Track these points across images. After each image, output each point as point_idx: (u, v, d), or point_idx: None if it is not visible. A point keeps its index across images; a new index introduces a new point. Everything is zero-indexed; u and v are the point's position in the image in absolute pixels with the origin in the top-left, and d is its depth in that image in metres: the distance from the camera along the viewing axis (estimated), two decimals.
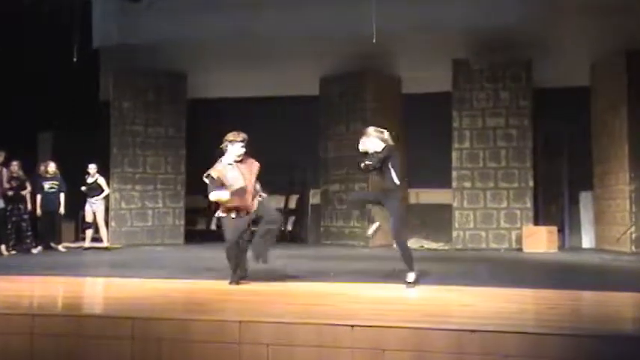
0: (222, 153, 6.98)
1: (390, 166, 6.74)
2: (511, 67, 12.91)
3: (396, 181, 6.73)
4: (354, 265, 7.84)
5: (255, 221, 7.02)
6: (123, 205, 13.60)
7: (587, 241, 13.39)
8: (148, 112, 13.82)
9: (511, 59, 12.83)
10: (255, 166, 7.01)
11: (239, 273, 6.97)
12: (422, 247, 12.56)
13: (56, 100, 13.07)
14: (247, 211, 6.88)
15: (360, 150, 6.83)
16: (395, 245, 7.08)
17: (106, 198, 12.62)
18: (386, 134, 6.86)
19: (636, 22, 11.31)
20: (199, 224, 15.53)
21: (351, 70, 13.52)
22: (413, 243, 12.14)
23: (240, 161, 6.94)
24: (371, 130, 6.86)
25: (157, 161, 13.91)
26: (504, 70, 12.93)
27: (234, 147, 6.87)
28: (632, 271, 9.26)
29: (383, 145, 6.79)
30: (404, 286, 6.71)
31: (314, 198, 14.80)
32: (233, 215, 6.84)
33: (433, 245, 12.67)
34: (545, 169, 13.68)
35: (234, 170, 6.89)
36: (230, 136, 6.92)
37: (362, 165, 6.74)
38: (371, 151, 6.78)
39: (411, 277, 6.76)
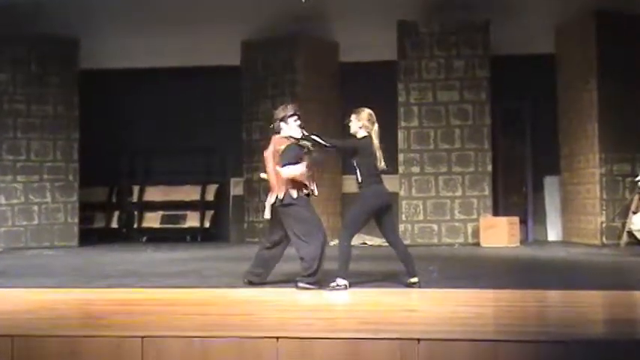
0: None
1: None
2: (466, 31, 13.10)
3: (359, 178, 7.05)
4: (281, 267, 7.86)
5: None
6: (2, 200, 13.27)
7: (553, 233, 13.80)
8: (31, 86, 13.48)
9: (466, 22, 13.02)
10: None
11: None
12: (364, 244, 12.67)
13: None
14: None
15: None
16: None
17: None
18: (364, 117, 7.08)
19: None
20: (97, 222, 15.30)
21: (278, 34, 13.48)
22: (354, 239, 12.25)
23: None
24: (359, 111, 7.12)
25: (43, 146, 13.61)
26: (458, 34, 13.12)
27: (291, 124, 7.15)
28: (602, 266, 9.60)
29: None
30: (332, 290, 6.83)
31: (236, 188, 14.75)
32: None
33: (377, 241, 12.78)
34: (506, 151, 14.00)
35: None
36: (280, 112, 7.23)
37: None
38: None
39: (338, 282, 6.91)
